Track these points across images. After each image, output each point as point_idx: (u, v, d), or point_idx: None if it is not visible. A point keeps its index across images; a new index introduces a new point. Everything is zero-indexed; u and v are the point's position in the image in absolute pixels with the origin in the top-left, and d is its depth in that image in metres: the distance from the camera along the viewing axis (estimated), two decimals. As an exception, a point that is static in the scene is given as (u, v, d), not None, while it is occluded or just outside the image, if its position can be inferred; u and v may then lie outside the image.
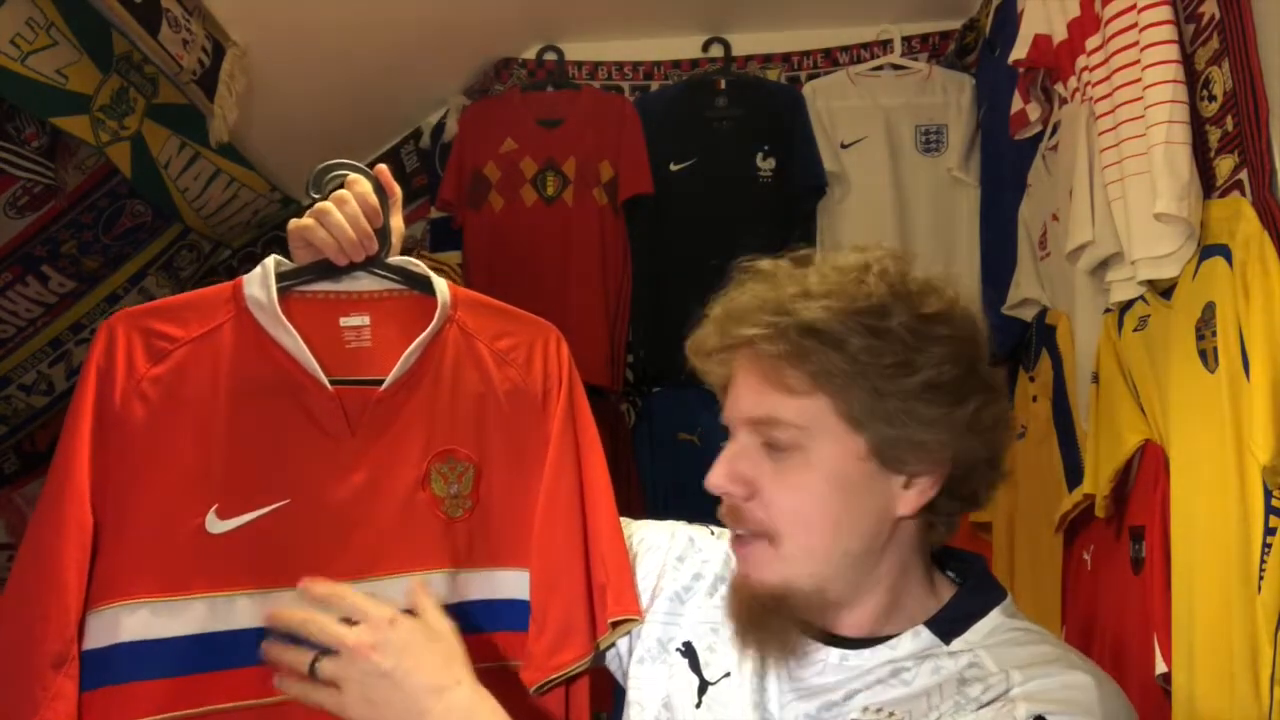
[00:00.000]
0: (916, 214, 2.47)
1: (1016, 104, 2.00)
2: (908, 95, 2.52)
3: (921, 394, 0.86)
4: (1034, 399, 1.96)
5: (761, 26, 2.66)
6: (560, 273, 2.50)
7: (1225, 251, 1.34)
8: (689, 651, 1.00)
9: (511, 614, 1.05)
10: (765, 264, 0.95)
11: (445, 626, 0.92)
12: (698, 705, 0.97)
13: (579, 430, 1.09)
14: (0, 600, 0.94)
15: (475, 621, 1.03)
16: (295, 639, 0.90)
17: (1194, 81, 1.43)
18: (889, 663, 0.89)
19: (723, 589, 1.00)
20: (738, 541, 0.94)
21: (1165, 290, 1.47)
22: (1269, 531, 1.22)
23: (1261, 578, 1.21)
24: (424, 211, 2.72)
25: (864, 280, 0.89)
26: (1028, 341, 2.04)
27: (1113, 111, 1.54)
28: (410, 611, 0.92)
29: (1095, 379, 1.65)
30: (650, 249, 2.55)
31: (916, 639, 0.90)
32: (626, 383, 2.58)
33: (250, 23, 2.09)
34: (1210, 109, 1.41)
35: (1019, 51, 1.89)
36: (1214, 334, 1.33)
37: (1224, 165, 1.39)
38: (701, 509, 0.97)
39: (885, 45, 2.59)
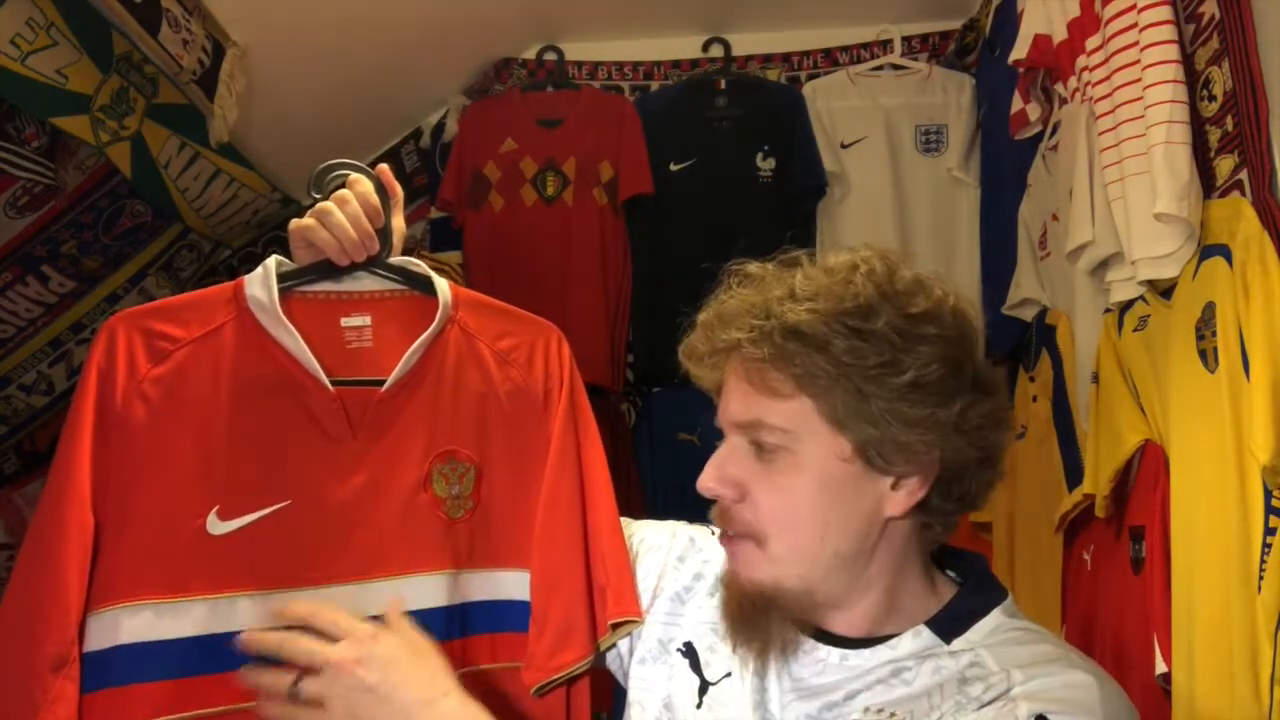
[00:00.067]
0: (916, 214, 2.47)
1: (1016, 104, 2.00)
2: (908, 95, 2.52)
3: (906, 394, 0.86)
4: (1034, 399, 1.96)
5: (761, 26, 2.65)
6: (560, 273, 2.50)
7: (1225, 251, 1.34)
8: (690, 652, 1.00)
9: (513, 615, 1.05)
10: (754, 268, 0.95)
11: (426, 642, 0.92)
12: (698, 705, 0.97)
13: (580, 431, 1.09)
14: (0, 602, 0.94)
15: (477, 622, 1.04)
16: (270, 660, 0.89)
17: (1194, 81, 1.43)
18: (889, 662, 0.90)
19: (722, 588, 1.00)
20: (727, 539, 0.94)
21: (1165, 290, 1.47)
22: (1269, 531, 1.22)
23: (1261, 578, 1.21)
24: (424, 211, 2.72)
25: (851, 281, 0.89)
26: (1028, 341, 2.04)
27: (1113, 111, 1.54)
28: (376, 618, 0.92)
29: (1095, 379, 1.65)
30: (650, 249, 2.55)
31: (917, 639, 0.90)
32: (626, 383, 2.58)
33: (250, 23, 2.09)
34: (1210, 109, 1.41)
35: (1019, 51, 1.89)
36: (1214, 334, 1.33)
37: (1224, 165, 1.39)
38: (701, 509, 0.97)
39: (885, 45, 2.59)
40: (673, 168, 2.55)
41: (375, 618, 0.92)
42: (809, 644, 0.92)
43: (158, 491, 0.94)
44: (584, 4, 2.56)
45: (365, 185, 1.03)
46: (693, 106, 2.57)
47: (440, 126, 2.70)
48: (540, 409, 1.08)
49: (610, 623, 1.03)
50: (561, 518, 1.06)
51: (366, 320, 1.04)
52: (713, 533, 1.07)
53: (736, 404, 0.92)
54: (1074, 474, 1.71)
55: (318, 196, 1.03)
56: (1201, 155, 1.41)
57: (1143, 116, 1.44)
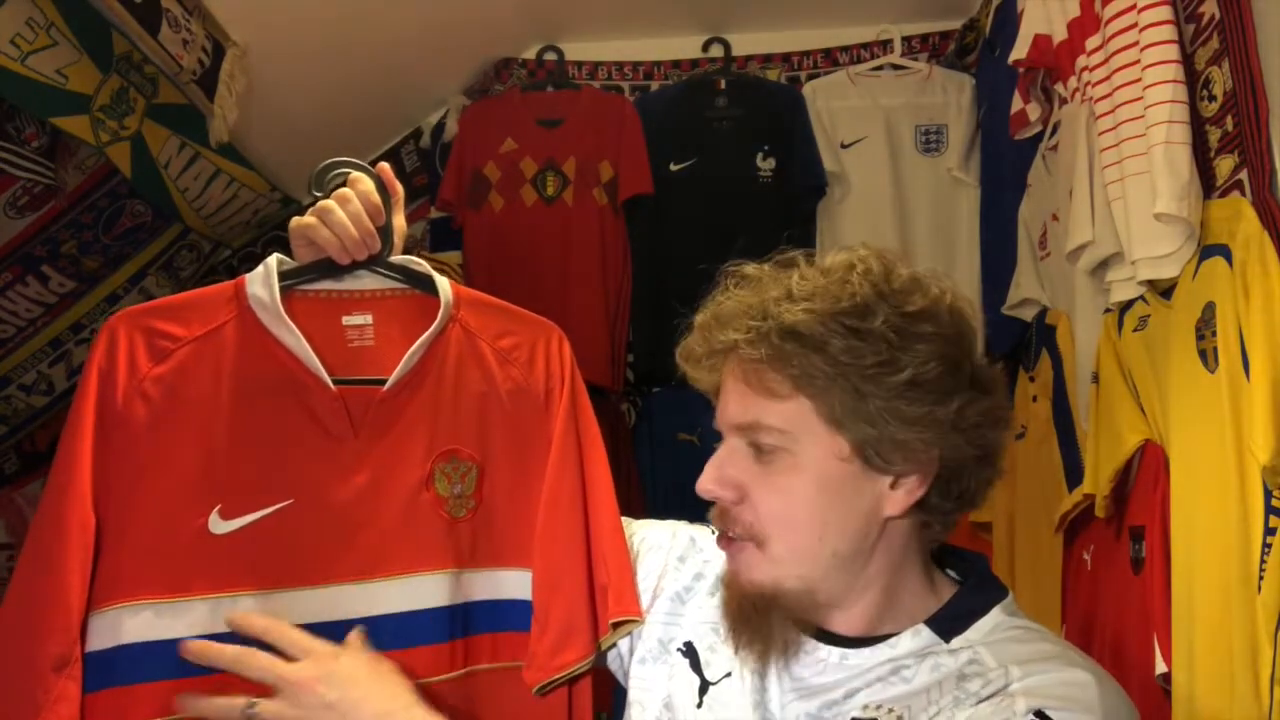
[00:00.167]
0: (916, 214, 2.47)
1: (1016, 104, 2.00)
2: (908, 95, 2.52)
3: (904, 393, 0.86)
4: (1034, 399, 1.97)
5: (761, 26, 2.66)
6: (560, 273, 2.50)
7: (1225, 251, 1.34)
8: (690, 651, 1.00)
9: (515, 614, 1.05)
10: (750, 269, 0.95)
11: (387, 663, 0.92)
12: (699, 705, 0.97)
13: (581, 430, 1.09)
14: (2, 602, 0.94)
15: (479, 622, 1.03)
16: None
17: (1194, 81, 1.43)
18: (889, 661, 0.90)
19: (722, 589, 1.00)
20: (727, 541, 0.94)
21: (1165, 290, 1.48)
22: (1269, 531, 1.22)
23: (1261, 578, 1.21)
24: (424, 211, 2.72)
25: (848, 280, 0.89)
26: (1028, 341, 2.04)
27: (1113, 111, 1.54)
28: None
29: (1095, 379, 1.65)
30: (650, 249, 2.55)
31: (916, 637, 0.90)
32: (626, 383, 2.58)
33: (250, 23, 2.09)
34: (1210, 109, 1.42)
35: (1019, 51, 1.89)
36: (1214, 334, 1.33)
37: (1224, 165, 1.39)
38: (701, 509, 0.97)
39: (885, 45, 2.59)
40: (672, 168, 2.55)
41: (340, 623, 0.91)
42: (810, 644, 0.92)
43: (159, 491, 0.94)
44: (584, 4, 2.56)
45: (366, 183, 1.03)
46: (693, 106, 2.57)
47: (440, 126, 2.70)
48: (541, 408, 1.08)
49: (611, 622, 1.03)
50: (563, 517, 1.05)
51: (368, 319, 1.04)
52: (714, 532, 1.07)
53: (734, 406, 0.92)
54: (1074, 474, 1.71)
55: (319, 195, 1.03)
56: (1201, 155, 1.42)
57: (1143, 116, 1.44)
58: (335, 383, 1.00)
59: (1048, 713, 0.80)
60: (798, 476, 0.89)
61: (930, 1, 2.56)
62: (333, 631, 0.95)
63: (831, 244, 2.47)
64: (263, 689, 0.89)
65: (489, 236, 2.55)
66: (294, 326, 0.99)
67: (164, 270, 2.47)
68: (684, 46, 2.69)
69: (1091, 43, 1.64)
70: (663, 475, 2.50)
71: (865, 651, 0.91)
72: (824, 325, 0.87)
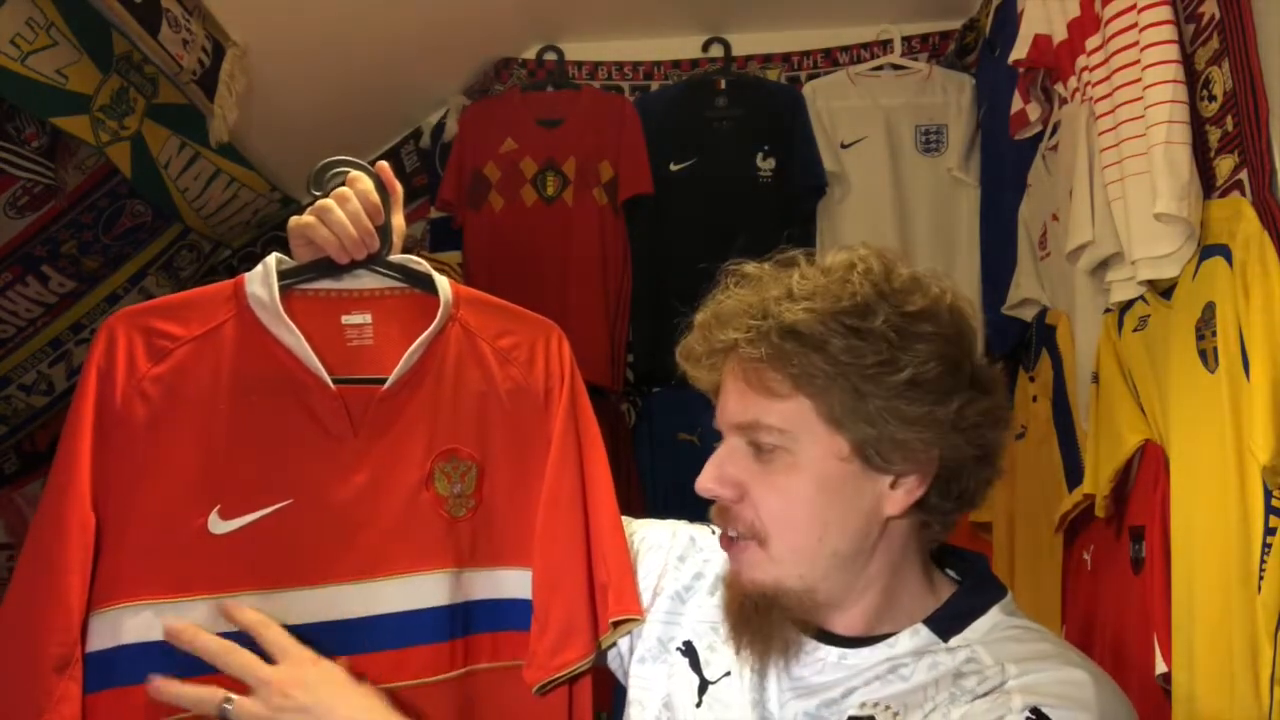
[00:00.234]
0: (916, 214, 2.47)
1: (1016, 104, 2.00)
2: (908, 95, 2.52)
3: (904, 392, 0.86)
4: (1034, 399, 1.97)
5: (761, 26, 2.66)
6: (560, 273, 2.50)
7: (1225, 251, 1.34)
8: (689, 651, 1.00)
9: (515, 613, 1.04)
10: (750, 268, 0.95)
11: (365, 682, 0.93)
12: (698, 704, 0.97)
13: (581, 429, 1.09)
14: (2, 603, 0.94)
15: (479, 621, 1.03)
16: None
17: (1194, 81, 1.43)
18: (887, 660, 0.90)
19: (723, 588, 1.00)
20: (727, 541, 0.94)
21: (1165, 290, 1.48)
22: (1269, 531, 1.22)
23: (1261, 578, 1.21)
24: (424, 211, 2.72)
25: (848, 280, 0.89)
26: (1028, 341, 2.04)
27: (1113, 111, 1.54)
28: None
29: (1095, 379, 1.65)
30: (650, 249, 2.55)
31: (915, 637, 0.90)
32: (626, 382, 2.58)
33: (250, 23, 2.09)
34: (1210, 109, 1.42)
35: (1019, 51, 1.89)
36: (1214, 334, 1.33)
37: (1224, 165, 1.39)
38: (701, 509, 0.97)
39: (885, 45, 2.59)
40: (673, 168, 2.55)
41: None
42: (810, 644, 0.92)
43: (159, 491, 0.94)
44: (584, 4, 2.57)
45: (365, 183, 1.03)
46: (693, 106, 2.57)
47: (440, 126, 2.70)
48: (541, 407, 1.08)
49: (611, 621, 1.03)
50: (563, 516, 1.05)
51: (367, 318, 1.04)
52: (713, 532, 1.07)
53: (734, 405, 0.92)
54: (1074, 474, 1.71)
55: (318, 194, 1.03)
56: (1201, 155, 1.42)
57: (1143, 116, 1.44)
58: (335, 382, 1.00)
59: (1044, 710, 0.80)
60: (797, 476, 0.89)
61: (930, 1, 2.56)
62: (332, 631, 0.95)
63: (831, 244, 2.46)
64: (246, 687, 0.90)
65: (489, 236, 2.55)
66: (293, 326, 0.99)
67: (164, 270, 2.47)
68: (684, 46, 2.69)
69: (1091, 43, 1.64)
70: (663, 475, 2.50)
71: (864, 651, 0.91)
72: (824, 324, 0.87)
